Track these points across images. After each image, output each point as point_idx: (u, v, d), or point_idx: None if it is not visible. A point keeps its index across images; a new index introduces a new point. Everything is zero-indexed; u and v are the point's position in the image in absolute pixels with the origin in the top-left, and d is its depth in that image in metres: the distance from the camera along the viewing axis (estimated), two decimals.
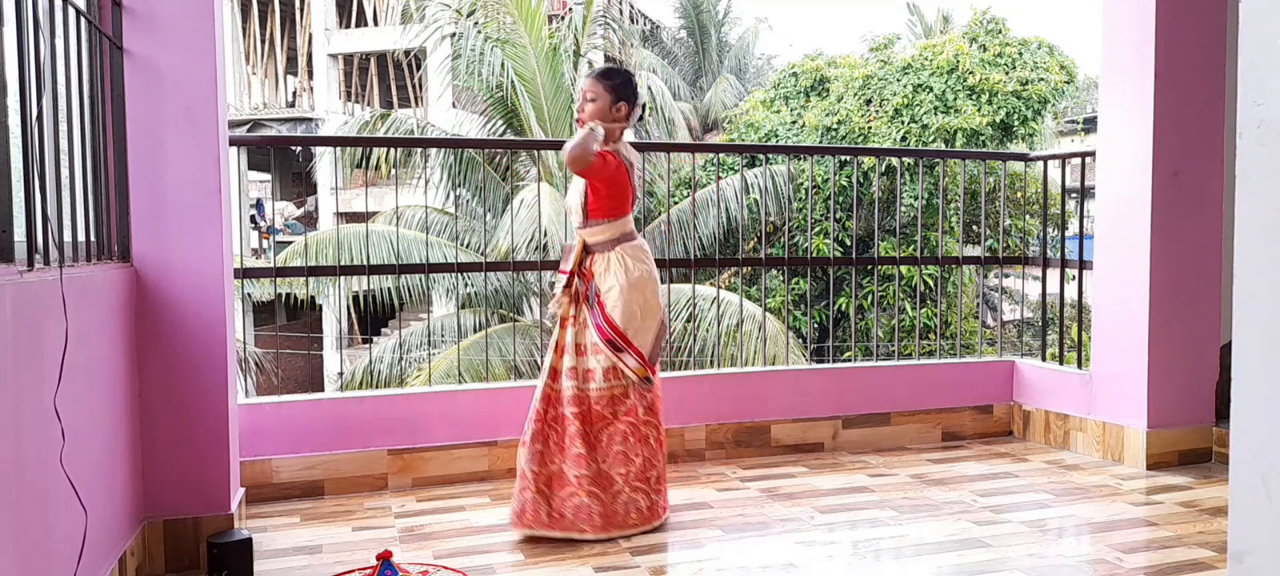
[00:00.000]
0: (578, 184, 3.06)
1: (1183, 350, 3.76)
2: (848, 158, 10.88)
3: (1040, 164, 7.23)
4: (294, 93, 24.33)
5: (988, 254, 4.79)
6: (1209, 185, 3.74)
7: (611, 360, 2.95)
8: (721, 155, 11.68)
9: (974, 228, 10.35)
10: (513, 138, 11.14)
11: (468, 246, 11.25)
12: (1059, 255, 4.43)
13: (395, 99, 23.30)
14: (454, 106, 18.95)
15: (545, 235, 9.44)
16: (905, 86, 12.89)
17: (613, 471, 2.94)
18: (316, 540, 2.92)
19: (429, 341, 10.82)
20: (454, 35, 11.43)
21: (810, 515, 3.15)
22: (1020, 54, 12.88)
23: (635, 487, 2.95)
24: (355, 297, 14.77)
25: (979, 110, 12.52)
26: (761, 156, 11.51)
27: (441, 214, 11.45)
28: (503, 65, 10.94)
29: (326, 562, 2.72)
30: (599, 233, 3.04)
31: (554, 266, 4.25)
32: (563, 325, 3.05)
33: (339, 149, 11.93)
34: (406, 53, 16.46)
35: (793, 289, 11.40)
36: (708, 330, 9.27)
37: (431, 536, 2.95)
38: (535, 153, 9.91)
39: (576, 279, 3.05)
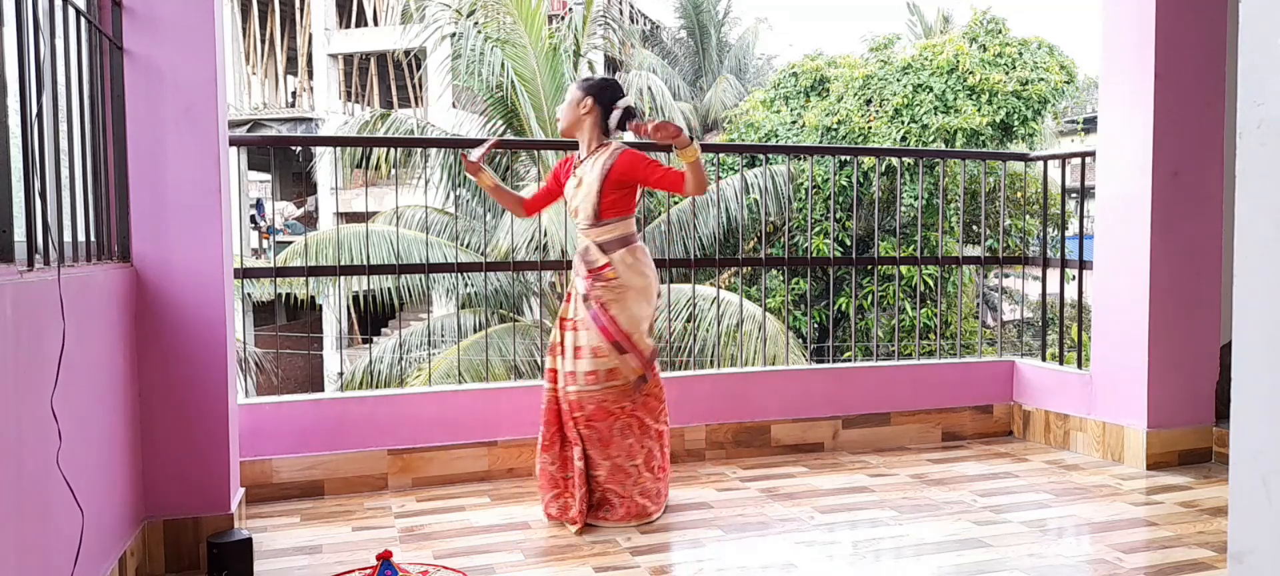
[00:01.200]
0: (591, 184, 3.06)
1: (1183, 350, 3.76)
2: (848, 158, 10.88)
3: (1040, 164, 7.23)
4: (294, 93, 24.32)
5: (988, 254, 4.78)
6: (1209, 185, 3.74)
7: (615, 361, 3.02)
8: (721, 155, 11.68)
9: (974, 228, 10.35)
10: (513, 138, 11.14)
11: (468, 246, 11.25)
12: (1059, 255, 4.43)
13: (395, 99, 23.30)
14: (454, 106, 18.95)
15: (545, 235, 9.44)
16: (905, 86, 12.89)
17: (627, 465, 3.04)
18: (316, 540, 2.92)
19: (429, 341, 10.82)
20: (454, 35, 11.43)
21: (810, 515, 3.15)
22: (1020, 54, 12.88)
23: (644, 475, 3.06)
24: (355, 297, 14.77)
25: (979, 110, 12.52)
26: (761, 156, 11.51)
27: (441, 214, 11.45)
28: (503, 65, 10.94)
29: (326, 562, 2.72)
30: (608, 232, 3.08)
31: (555, 266, 4.26)
32: (562, 327, 3.10)
33: (339, 149, 11.93)
34: (406, 53, 16.46)
35: (793, 289, 11.40)
36: (708, 330, 9.27)
37: (431, 536, 2.95)
38: (535, 152, 9.91)
39: (578, 281, 3.10)
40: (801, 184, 11.63)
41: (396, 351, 10.76)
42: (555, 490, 3.08)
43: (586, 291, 3.04)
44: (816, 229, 12.12)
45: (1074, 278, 4.31)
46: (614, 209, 3.06)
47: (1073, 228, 5.09)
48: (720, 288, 10.29)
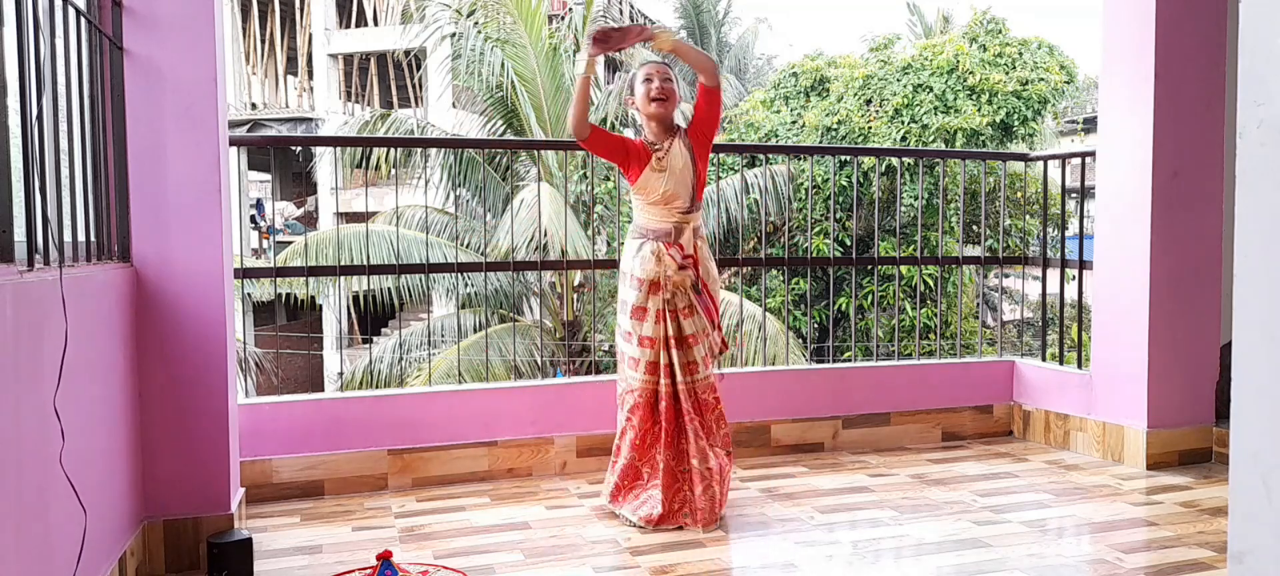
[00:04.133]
0: (687, 166, 3.01)
1: (1183, 350, 3.76)
2: (848, 158, 10.88)
3: (1040, 164, 7.23)
4: (295, 92, 24.31)
5: (988, 254, 4.78)
6: (1209, 185, 3.74)
7: (714, 341, 3.04)
8: (721, 155, 11.68)
9: (974, 228, 10.34)
10: (513, 138, 11.13)
11: (468, 246, 11.25)
12: (1059, 255, 4.43)
13: (395, 99, 23.30)
14: (454, 106, 18.95)
15: (545, 235, 9.44)
16: (905, 86, 12.89)
17: (717, 456, 3.01)
18: (316, 540, 2.92)
19: (429, 341, 10.82)
20: (454, 35, 11.43)
21: (810, 515, 3.15)
22: (1020, 54, 12.87)
23: (730, 463, 3.06)
24: (355, 297, 14.77)
25: (979, 110, 12.51)
26: (761, 156, 11.51)
27: (441, 214, 11.45)
28: (503, 65, 10.94)
29: (326, 562, 2.72)
30: (699, 215, 3.10)
31: (555, 266, 4.26)
32: (665, 319, 2.99)
33: (339, 149, 11.94)
34: (406, 53, 16.46)
35: (793, 289, 11.40)
36: None
37: (431, 536, 2.95)
38: (535, 153, 9.91)
39: (677, 267, 3.01)
40: (801, 184, 11.63)
41: (396, 351, 10.76)
42: (676, 486, 3.01)
43: (697, 278, 3.03)
44: (816, 229, 12.12)
45: (1074, 277, 4.31)
46: (702, 186, 3.10)
47: (1073, 228, 5.09)
48: (720, 287, 10.28)
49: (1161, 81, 3.63)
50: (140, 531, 2.65)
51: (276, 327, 19.36)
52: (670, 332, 2.99)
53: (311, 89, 22.76)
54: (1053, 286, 8.03)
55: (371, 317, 10.99)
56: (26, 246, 1.90)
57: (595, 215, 10.45)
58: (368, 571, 2.61)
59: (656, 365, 3.00)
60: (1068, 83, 13.01)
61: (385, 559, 2.51)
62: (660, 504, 2.97)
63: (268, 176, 25.40)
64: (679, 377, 2.99)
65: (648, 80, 3.03)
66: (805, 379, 4.11)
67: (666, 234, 3.03)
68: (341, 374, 9.60)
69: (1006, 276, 12.77)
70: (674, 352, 2.98)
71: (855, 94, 13.26)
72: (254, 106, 22.34)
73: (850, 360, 5.11)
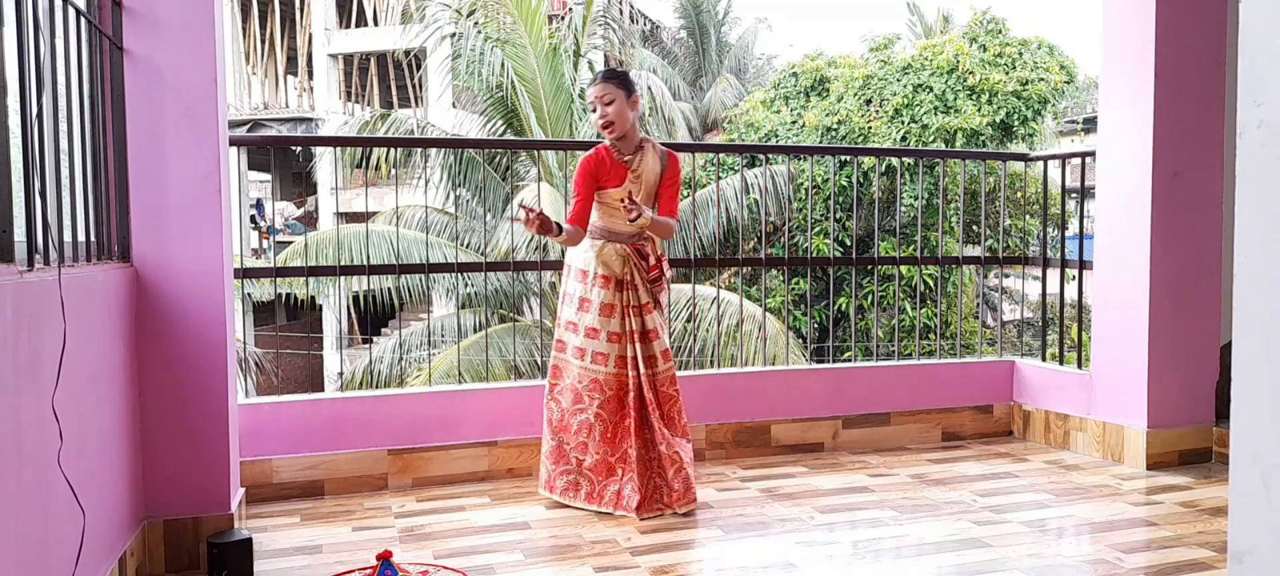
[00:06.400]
0: (650, 184, 3.21)
1: (1183, 350, 3.76)
2: (848, 158, 10.88)
3: (1040, 164, 7.23)
4: (295, 92, 24.30)
5: (988, 254, 4.78)
6: (1209, 185, 3.74)
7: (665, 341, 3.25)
8: (721, 155, 11.68)
9: (974, 228, 10.34)
10: (513, 138, 11.13)
11: (468, 246, 11.25)
12: (1059, 255, 4.43)
13: (395, 99, 23.30)
14: (454, 106, 18.95)
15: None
16: (905, 86, 12.89)
17: (682, 444, 3.19)
18: (316, 540, 2.92)
19: (429, 341, 10.82)
20: (454, 35, 11.43)
21: (810, 515, 3.15)
22: (1020, 54, 12.87)
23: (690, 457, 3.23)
24: (355, 297, 14.77)
25: (979, 110, 12.51)
26: (761, 156, 11.51)
27: (441, 214, 11.45)
28: (503, 65, 10.93)
29: (326, 562, 2.72)
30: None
31: (555, 266, 4.26)
32: (634, 314, 3.17)
33: (339, 149, 11.93)
34: (406, 53, 16.46)
35: (793, 289, 11.40)
36: (708, 330, 9.27)
37: (431, 536, 2.95)
38: (535, 152, 9.91)
39: (641, 270, 3.21)
40: (801, 184, 11.63)
41: (396, 351, 10.76)
42: (647, 473, 3.16)
43: (664, 282, 3.28)
44: (816, 229, 12.11)
45: (1074, 277, 4.31)
46: (664, 208, 3.28)
47: (1073, 228, 5.09)
48: (720, 288, 10.29)
49: (1161, 81, 3.63)
50: (140, 531, 2.65)
51: (276, 327, 19.36)
52: (634, 327, 3.16)
53: (311, 89, 22.76)
54: (1053, 286, 8.04)
55: (371, 317, 10.98)
56: (26, 246, 1.90)
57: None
58: (368, 571, 2.61)
59: (625, 359, 3.16)
60: (1068, 83, 13.01)
61: (385, 559, 2.51)
62: (637, 492, 3.10)
63: (268, 176, 25.39)
64: (643, 370, 3.16)
65: (593, 109, 3.19)
66: (805, 379, 4.11)
67: (629, 237, 3.20)
68: (341, 374, 9.60)
69: (1006, 276, 12.77)
70: (638, 346, 3.16)
71: (855, 94, 13.26)
72: (259, 107, 22.33)
73: (850, 360, 5.11)
